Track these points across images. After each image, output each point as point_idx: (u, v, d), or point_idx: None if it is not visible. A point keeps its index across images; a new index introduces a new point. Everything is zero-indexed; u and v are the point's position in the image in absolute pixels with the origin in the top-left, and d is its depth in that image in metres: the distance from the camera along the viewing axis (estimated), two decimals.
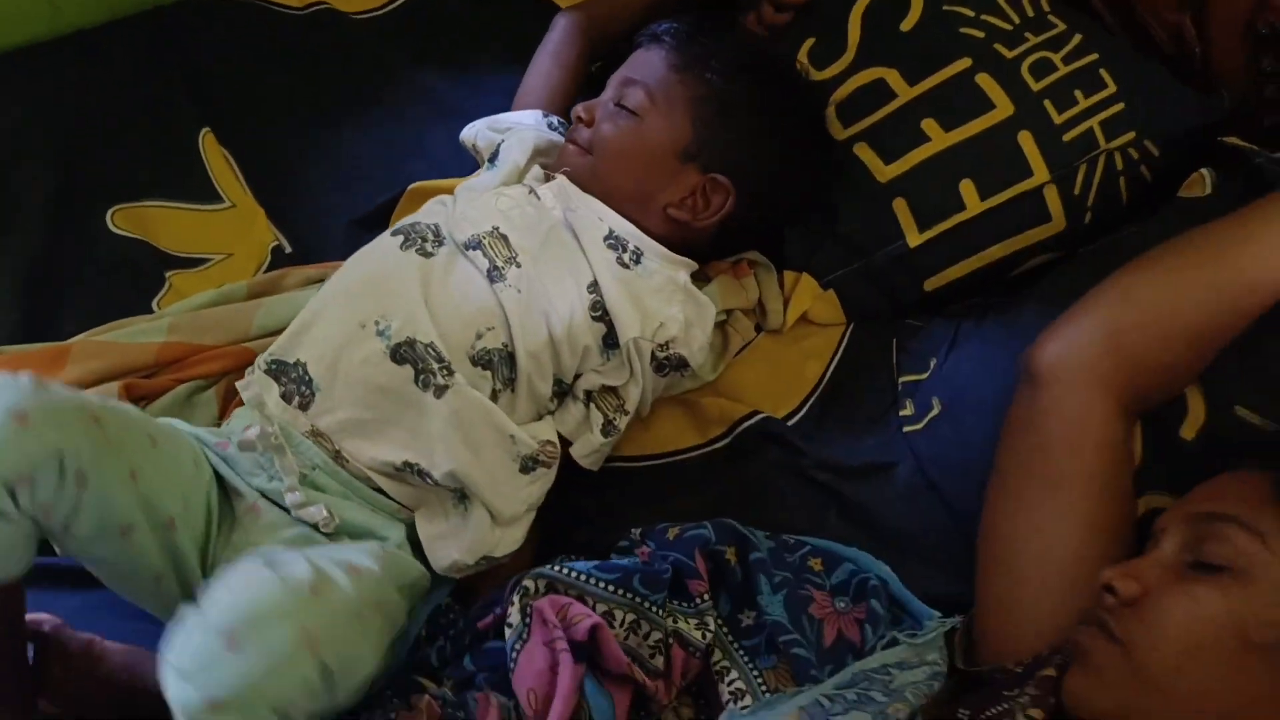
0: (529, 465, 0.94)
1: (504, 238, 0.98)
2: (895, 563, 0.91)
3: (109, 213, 1.22)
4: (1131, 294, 0.84)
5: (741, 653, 0.86)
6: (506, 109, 1.20)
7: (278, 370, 0.95)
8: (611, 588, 0.84)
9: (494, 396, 0.94)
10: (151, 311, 1.13)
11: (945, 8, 1.14)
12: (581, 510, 1.03)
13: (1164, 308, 0.83)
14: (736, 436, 1.05)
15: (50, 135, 1.28)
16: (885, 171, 1.09)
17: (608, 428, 0.97)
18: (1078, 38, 1.12)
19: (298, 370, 0.93)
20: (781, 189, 1.05)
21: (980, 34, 1.12)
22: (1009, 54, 1.11)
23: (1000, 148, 1.07)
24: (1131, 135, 1.07)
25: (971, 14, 1.14)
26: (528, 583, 0.83)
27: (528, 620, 0.81)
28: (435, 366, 0.91)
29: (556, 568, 0.86)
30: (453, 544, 0.92)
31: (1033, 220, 1.07)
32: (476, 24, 1.39)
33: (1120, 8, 1.19)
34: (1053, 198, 1.07)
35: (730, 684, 0.85)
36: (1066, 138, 1.07)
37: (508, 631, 0.81)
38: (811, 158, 1.07)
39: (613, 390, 0.98)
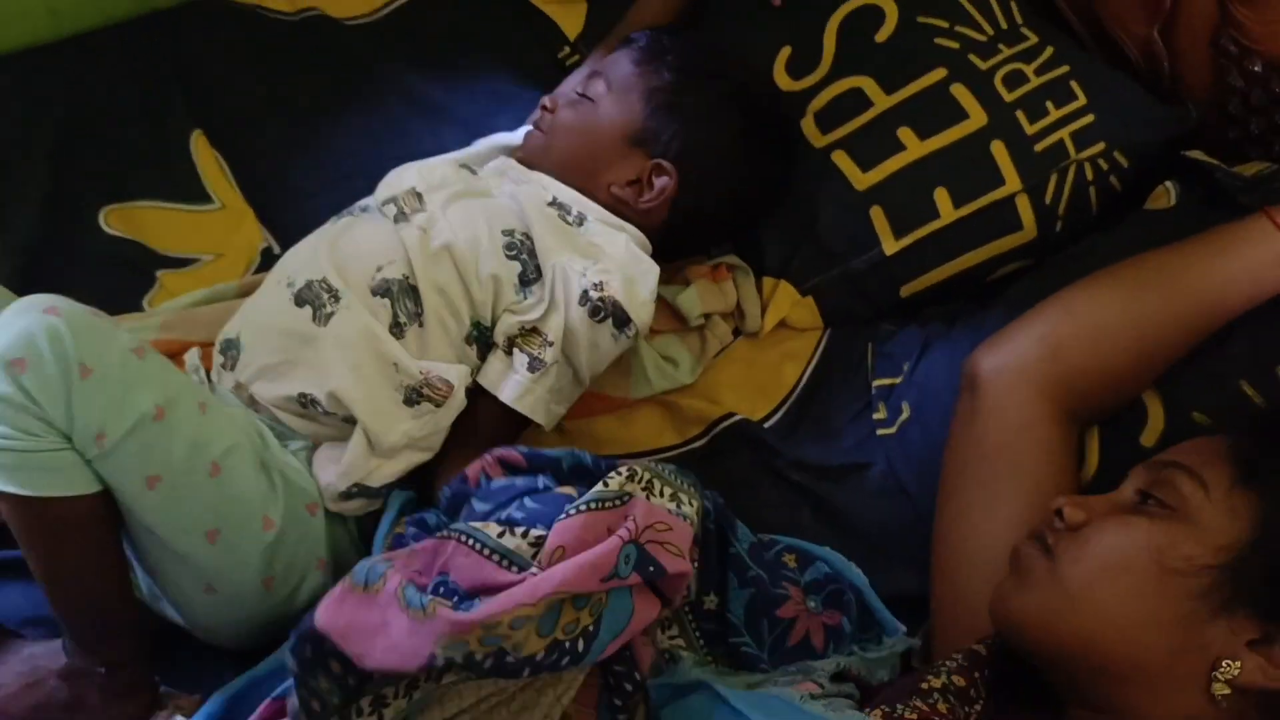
0: (413, 398, 0.93)
1: (419, 195, 1.00)
2: (868, 561, 0.92)
3: (102, 212, 1.23)
4: (1073, 307, 0.89)
5: (698, 634, 0.85)
6: (495, 112, 1.22)
7: (225, 347, 0.99)
8: None
9: (399, 331, 0.95)
10: (142, 310, 1.15)
11: (920, 19, 1.16)
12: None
13: (1105, 321, 0.87)
14: (714, 437, 1.07)
15: (45, 136, 1.29)
16: (863, 179, 1.10)
17: (534, 363, 0.95)
18: (1050, 50, 1.14)
19: (235, 342, 0.98)
20: (727, 183, 1.06)
21: (955, 45, 1.14)
22: (983, 65, 1.12)
23: (974, 157, 1.09)
24: (1101, 146, 1.09)
25: (946, 25, 1.15)
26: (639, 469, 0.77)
27: (616, 503, 0.73)
28: (326, 298, 0.94)
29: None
30: (331, 467, 0.93)
31: (1005, 228, 1.09)
32: (466, 30, 1.39)
33: (1092, 21, 1.21)
34: (1024, 206, 1.09)
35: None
36: (1038, 148, 1.09)
37: (586, 492, 0.74)
38: (761, 157, 1.08)
39: (535, 330, 0.96)
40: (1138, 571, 0.70)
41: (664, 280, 1.13)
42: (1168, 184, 1.05)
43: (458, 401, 0.95)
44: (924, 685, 0.72)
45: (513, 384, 0.95)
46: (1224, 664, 0.66)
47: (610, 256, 0.98)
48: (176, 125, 1.32)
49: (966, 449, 0.88)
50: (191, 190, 1.27)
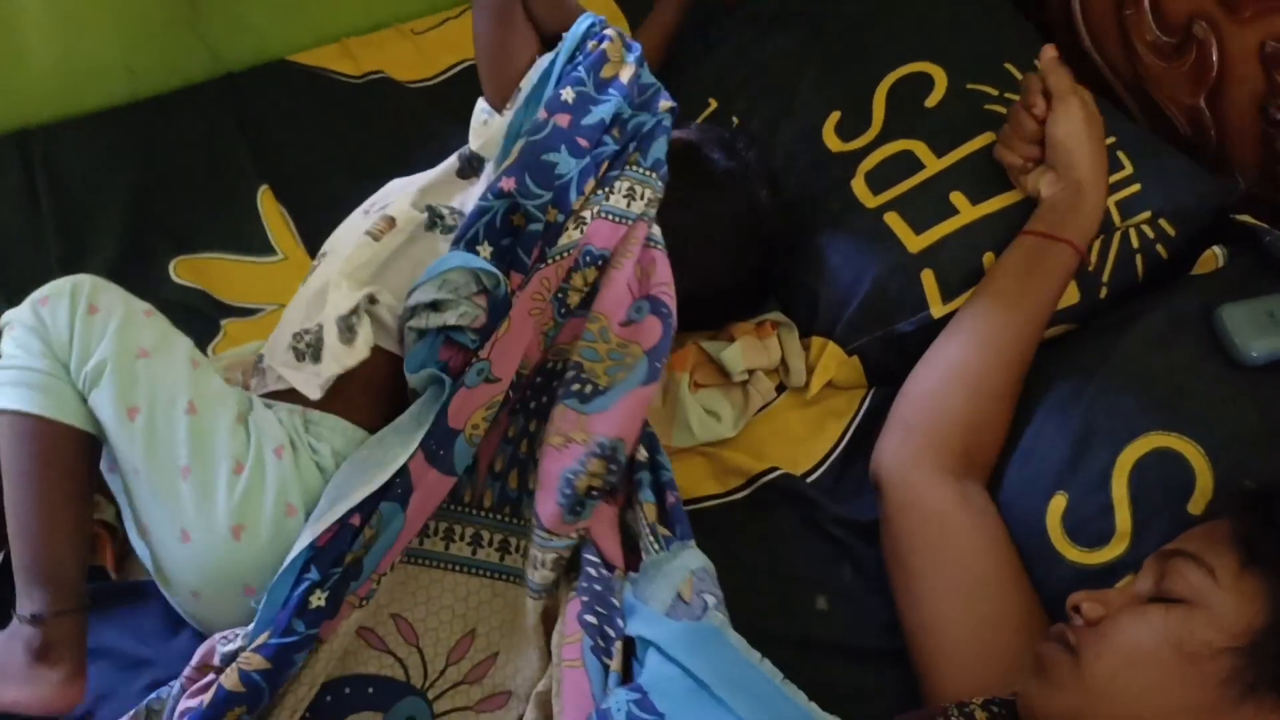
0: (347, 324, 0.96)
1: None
2: None
3: (172, 263, 1.27)
4: (906, 389, 1.01)
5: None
6: None
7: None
8: None
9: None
10: (206, 356, 1.17)
11: (969, 86, 1.16)
12: None
13: (930, 388, 0.99)
14: (756, 490, 1.06)
15: (122, 191, 1.33)
16: (916, 242, 1.09)
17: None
18: None
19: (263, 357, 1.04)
20: (708, 273, 1.09)
21: (1004, 110, 1.13)
22: None
23: (1022, 224, 1.06)
24: (1148, 215, 1.08)
25: (995, 93, 1.16)
26: None
27: None
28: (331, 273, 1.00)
29: None
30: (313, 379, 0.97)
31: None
32: None
33: (1138, 91, 1.21)
34: None
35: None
36: None
37: None
38: (743, 261, 1.12)
39: None
40: (1160, 663, 0.70)
41: (709, 336, 1.16)
42: (1216, 249, 1.04)
43: None
44: None
45: None
46: None
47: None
48: (244, 181, 1.36)
49: (894, 547, 0.96)
50: (256, 243, 1.31)
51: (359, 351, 0.95)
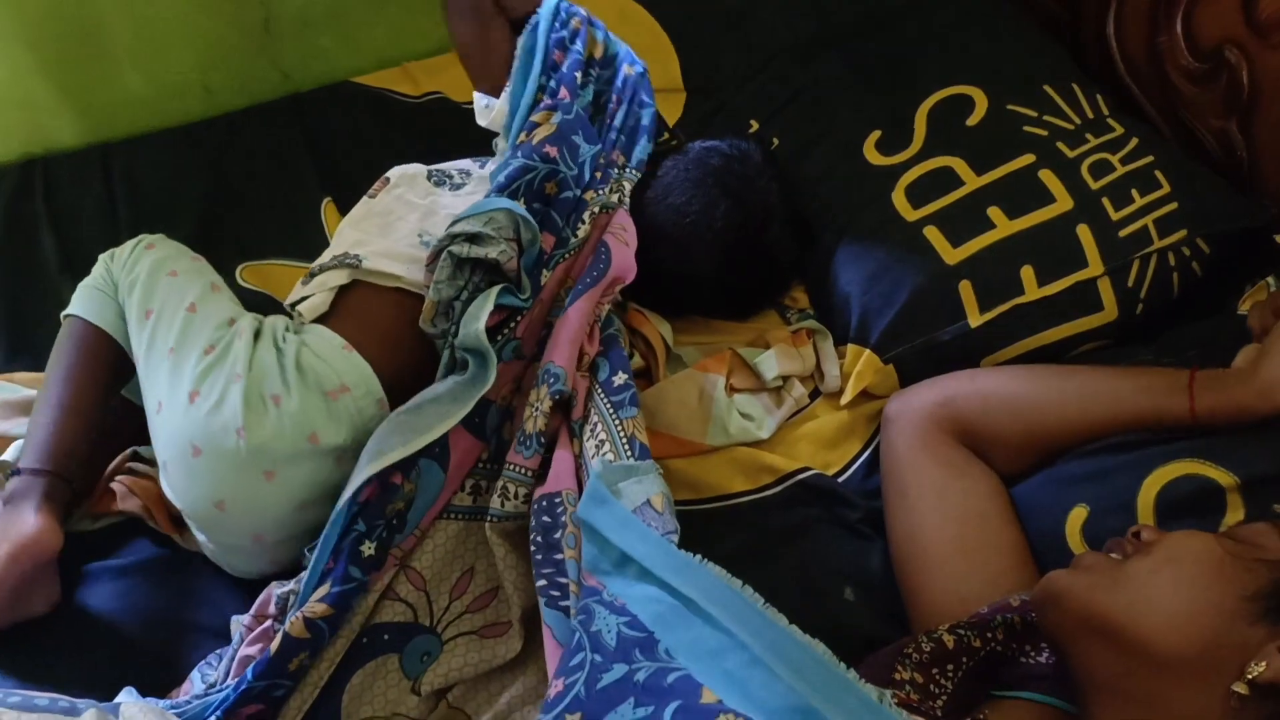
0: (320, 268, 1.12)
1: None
2: None
3: (238, 269, 1.31)
4: (976, 377, 1.02)
5: (608, 404, 0.98)
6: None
7: None
8: None
9: None
10: None
11: (1010, 108, 1.19)
12: None
13: (1000, 394, 0.99)
14: (787, 487, 1.08)
15: (194, 201, 1.39)
16: (954, 254, 1.11)
17: None
18: (1135, 141, 1.15)
19: None
20: (687, 259, 1.17)
21: (1043, 133, 1.16)
22: (1070, 153, 1.14)
23: (1060, 239, 1.10)
24: (1184, 233, 1.09)
25: (1035, 114, 1.18)
26: None
27: None
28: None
29: None
30: None
31: (1087, 308, 1.09)
32: None
33: (1171, 115, 1.23)
34: (1106, 289, 1.09)
35: (595, 435, 0.97)
36: (1122, 234, 1.09)
37: None
38: (723, 259, 1.16)
39: None
40: (1197, 565, 0.73)
41: (744, 341, 1.18)
42: (1269, 280, 1.04)
43: None
44: (895, 676, 0.79)
45: None
46: (1251, 664, 0.66)
47: None
48: (309, 194, 1.40)
49: (888, 470, 1.01)
50: (318, 251, 1.32)
51: (312, 288, 1.09)
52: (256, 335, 1.02)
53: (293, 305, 1.10)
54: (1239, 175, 1.16)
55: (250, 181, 1.43)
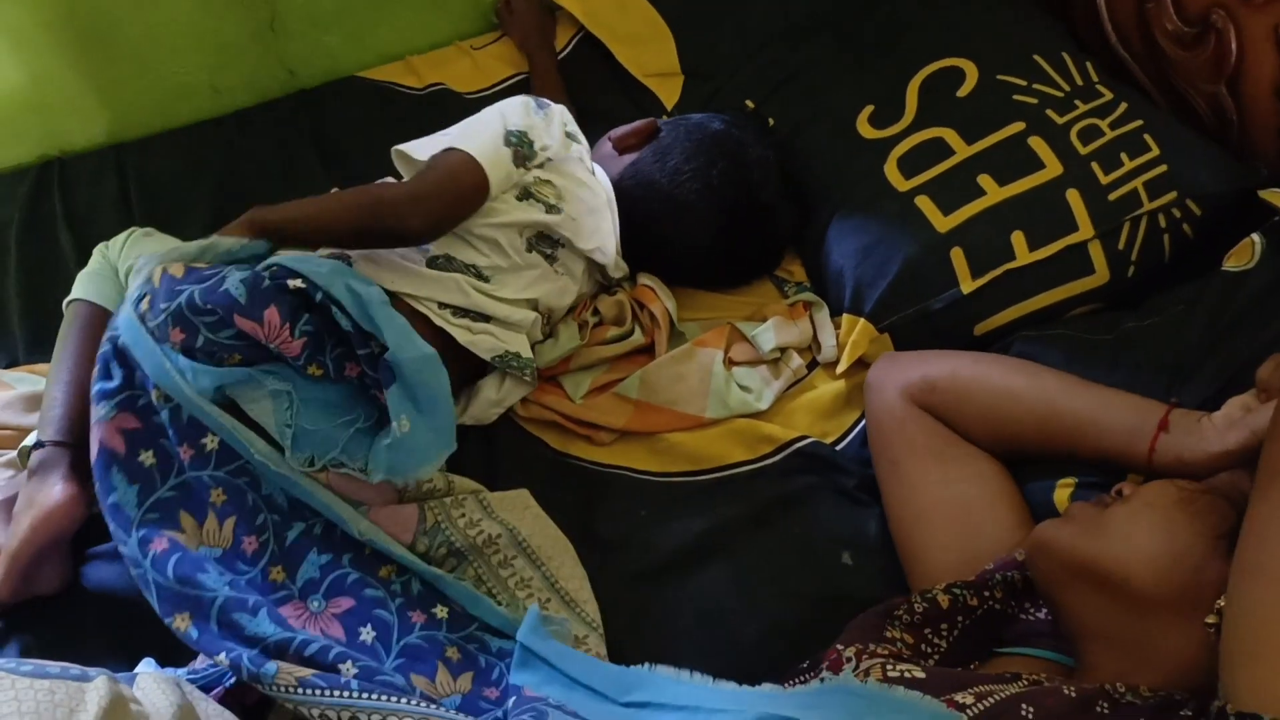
0: None
1: None
2: None
3: None
4: (960, 367, 1.00)
5: None
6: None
7: None
8: None
9: None
10: None
11: (1000, 77, 1.19)
12: (635, 517, 1.07)
13: (976, 389, 0.97)
14: (786, 457, 1.09)
15: (205, 197, 1.41)
16: (944, 222, 1.12)
17: None
18: (1124, 106, 1.16)
19: None
20: (678, 217, 1.18)
21: (1033, 100, 1.16)
22: (1059, 119, 1.14)
23: (1050, 204, 1.10)
24: (1173, 195, 1.09)
25: (1024, 83, 1.18)
26: None
27: None
28: None
29: None
30: None
31: (1078, 272, 1.09)
32: (577, 102, 1.48)
33: (1160, 80, 1.23)
34: (1097, 252, 1.09)
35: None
36: (1112, 197, 1.10)
37: None
38: (715, 222, 1.18)
39: None
40: (1173, 510, 0.75)
41: (743, 316, 1.20)
42: (1254, 238, 1.03)
43: None
44: (886, 634, 0.80)
45: None
46: (1222, 597, 0.68)
47: None
48: (316, 187, 1.41)
49: (881, 441, 1.01)
50: None
51: None
52: None
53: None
54: (1231, 139, 1.16)
55: (260, 177, 1.45)
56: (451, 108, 1.50)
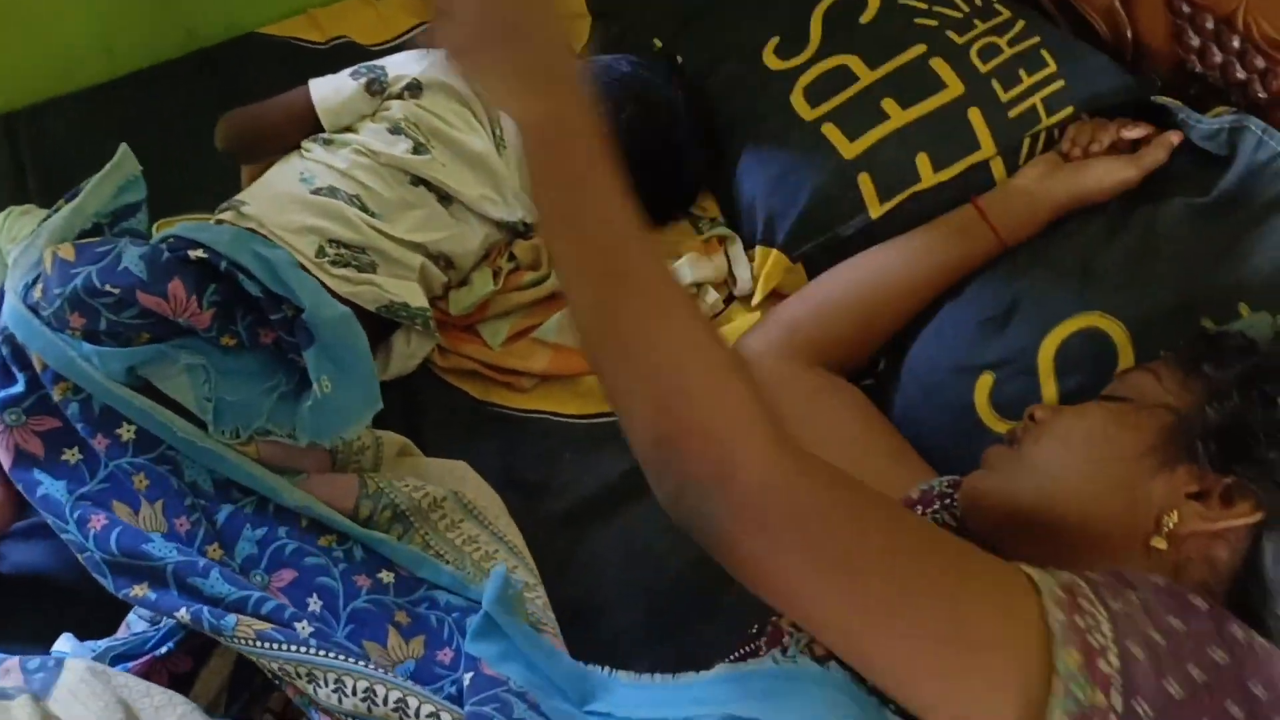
0: None
1: None
2: None
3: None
4: (805, 293, 1.07)
5: None
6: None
7: None
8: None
9: None
10: None
11: (900, 2, 1.19)
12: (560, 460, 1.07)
13: (830, 299, 1.04)
14: None
15: (104, 162, 1.36)
16: (850, 149, 1.11)
17: None
18: (1021, 23, 1.16)
19: None
20: None
21: (933, 23, 1.16)
22: (959, 40, 1.15)
23: (952, 124, 1.10)
24: (1070, 110, 1.10)
25: (924, 6, 1.18)
26: None
27: None
28: None
29: None
30: None
31: (981, 189, 1.09)
32: None
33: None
34: (999, 169, 1.10)
35: None
36: (1012, 114, 1.10)
37: None
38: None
39: None
40: (1090, 437, 0.74)
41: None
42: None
43: None
44: None
45: None
46: (1164, 517, 0.67)
47: None
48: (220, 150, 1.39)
49: None
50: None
51: None
52: None
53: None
54: (1127, 53, 1.17)
55: (162, 140, 1.39)
56: (355, 61, 1.45)
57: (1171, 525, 0.67)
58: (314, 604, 0.86)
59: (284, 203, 1.05)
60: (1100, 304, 0.94)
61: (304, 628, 0.80)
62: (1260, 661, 0.56)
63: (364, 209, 1.07)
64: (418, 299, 1.07)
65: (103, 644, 0.89)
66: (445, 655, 0.85)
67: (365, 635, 0.85)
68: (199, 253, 0.89)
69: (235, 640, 0.77)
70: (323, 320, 0.89)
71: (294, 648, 0.77)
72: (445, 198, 1.12)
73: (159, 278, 0.87)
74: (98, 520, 0.83)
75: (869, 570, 0.57)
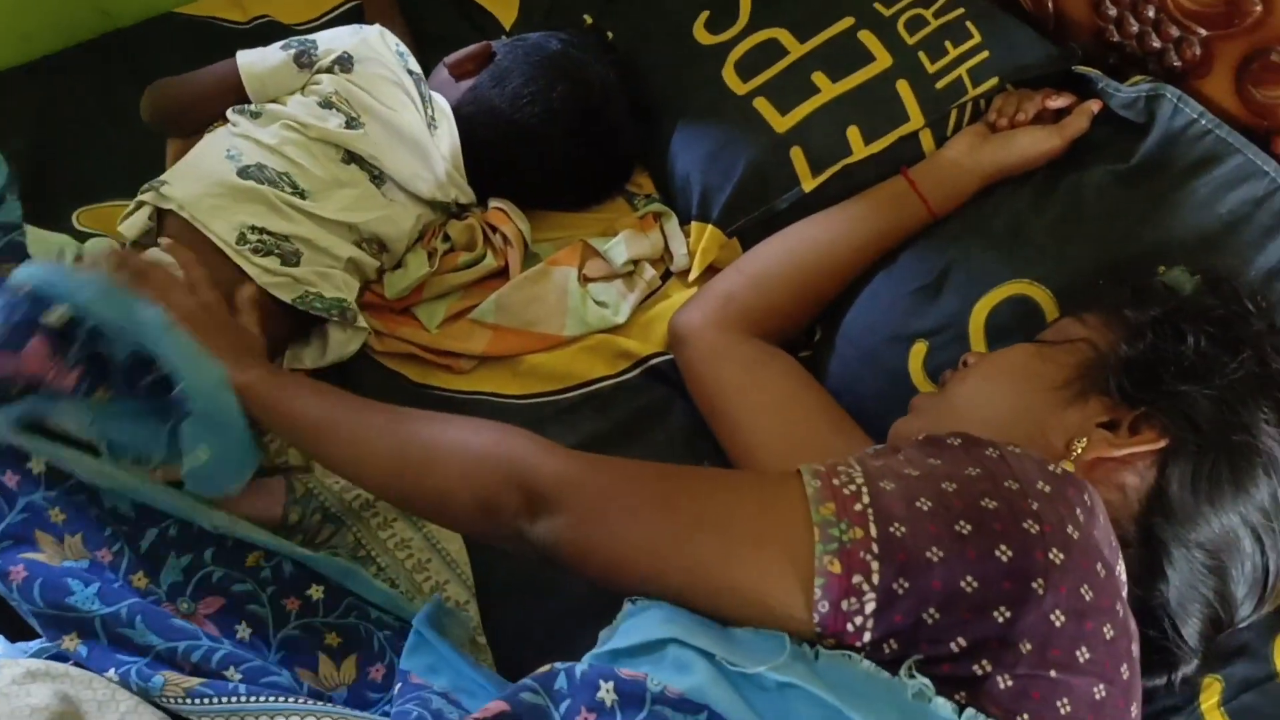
0: None
1: None
2: None
3: (75, 214, 1.25)
4: (741, 265, 1.08)
5: None
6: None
7: None
8: None
9: None
10: None
11: None
12: None
13: (766, 271, 1.05)
14: (644, 372, 1.10)
15: (20, 150, 1.30)
16: (782, 122, 1.11)
17: None
18: None
19: None
20: (513, 125, 1.16)
21: None
22: (887, 12, 1.15)
23: (881, 96, 1.11)
24: (995, 81, 1.11)
25: None
26: None
27: None
28: None
29: None
30: None
31: (911, 161, 1.10)
32: (410, 25, 1.43)
33: None
34: (928, 140, 1.11)
35: None
36: (939, 85, 1.11)
37: None
38: (554, 124, 1.15)
39: None
40: (1011, 370, 0.77)
41: (595, 232, 1.19)
42: None
43: None
44: None
45: None
46: (1073, 443, 0.70)
47: None
48: (141, 132, 1.33)
49: (699, 397, 1.03)
50: None
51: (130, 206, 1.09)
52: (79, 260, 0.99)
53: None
54: (1048, 24, 1.18)
55: (81, 124, 1.36)
56: (279, 40, 1.42)
57: (1079, 451, 0.70)
58: (243, 631, 0.84)
59: (208, 184, 1.02)
60: (1027, 271, 0.96)
61: (232, 674, 0.78)
62: (1010, 464, 0.61)
63: (293, 187, 1.04)
64: (334, 290, 1.05)
65: (34, 644, 0.87)
66: (377, 672, 0.84)
67: (296, 663, 0.83)
68: (60, 313, 0.82)
69: (165, 699, 0.75)
70: (197, 390, 0.82)
71: (225, 699, 0.75)
72: (378, 177, 1.10)
73: (15, 337, 0.80)
74: (18, 572, 0.79)
75: (660, 508, 0.65)
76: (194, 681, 0.76)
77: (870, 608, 0.57)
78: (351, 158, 1.08)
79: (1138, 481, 0.70)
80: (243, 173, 1.03)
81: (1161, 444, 0.70)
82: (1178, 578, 0.69)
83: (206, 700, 0.74)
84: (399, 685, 0.77)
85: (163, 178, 1.05)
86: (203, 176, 1.03)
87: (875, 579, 0.57)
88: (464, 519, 0.73)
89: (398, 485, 0.75)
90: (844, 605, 0.57)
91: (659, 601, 0.64)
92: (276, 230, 1.02)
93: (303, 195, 1.05)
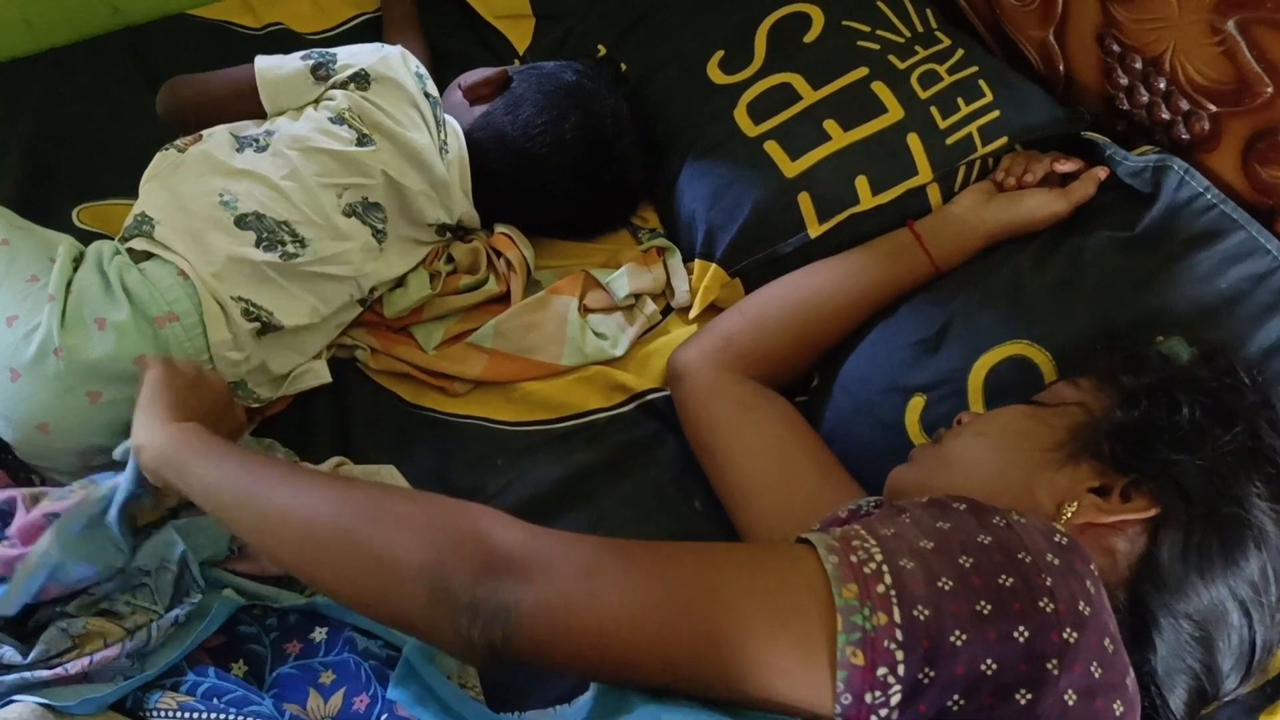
0: None
1: None
2: None
3: (76, 211, 1.24)
4: (744, 308, 1.08)
5: None
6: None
7: None
8: None
9: None
10: None
11: (844, 23, 1.20)
12: (492, 466, 1.06)
13: (768, 315, 1.05)
14: (639, 406, 1.10)
15: (23, 142, 1.29)
16: (792, 167, 1.12)
17: None
18: (961, 52, 1.18)
19: None
20: (526, 153, 1.16)
21: (876, 46, 1.18)
22: (901, 65, 1.16)
23: (891, 148, 1.11)
24: (1005, 140, 1.12)
25: (868, 29, 1.19)
26: None
27: None
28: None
29: None
30: None
31: (917, 214, 1.11)
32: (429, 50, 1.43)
33: (994, 27, 1.26)
34: (935, 195, 1.12)
35: None
36: (949, 141, 1.12)
37: None
38: (563, 155, 1.16)
39: None
40: (1004, 430, 0.78)
41: (599, 263, 1.19)
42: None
43: None
44: None
45: None
46: (1064, 506, 0.71)
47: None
48: (147, 131, 1.32)
49: (692, 434, 1.03)
50: None
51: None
52: (79, 261, 0.97)
53: (124, 240, 1.04)
54: (1059, 86, 1.20)
55: (85, 120, 1.34)
56: (291, 49, 1.40)
57: (1069, 514, 0.70)
58: (238, 669, 0.84)
59: (201, 235, 1.00)
60: (1027, 331, 0.97)
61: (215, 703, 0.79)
62: (1020, 535, 0.61)
63: (293, 235, 1.02)
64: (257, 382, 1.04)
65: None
66: (361, 702, 0.83)
67: (286, 698, 0.82)
68: None
69: (157, 714, 0.76)
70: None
71: (213, 715, 0.76)
72: (380, 233, 1.08)
73: None
74: None
75: (659, 577, 0.60)
76: (188, 697, 0.77)
77: (896, 699, 0.55)
78: (354, 210, 1.07)
79: (1128, 547, 0.70)
80: (240, 221, 1.01)
81: (1153, 512, 0.70)
82: (1164, 647, 0.69)
83: (199, 715, 0.76)
84: (385, 716, 0.76)
85: (151, 214, 1.02)
86: (196, 229, 1.00)
87: (901, 670, 0.55)
88: (406, 592, 0.60)
89: (331, 553, 0.63)
90: (868, 698, 0.55)
91: (633, 694, 0.61)
92: (261, 306, 1.00)
93: (303, 244, 1.02)
